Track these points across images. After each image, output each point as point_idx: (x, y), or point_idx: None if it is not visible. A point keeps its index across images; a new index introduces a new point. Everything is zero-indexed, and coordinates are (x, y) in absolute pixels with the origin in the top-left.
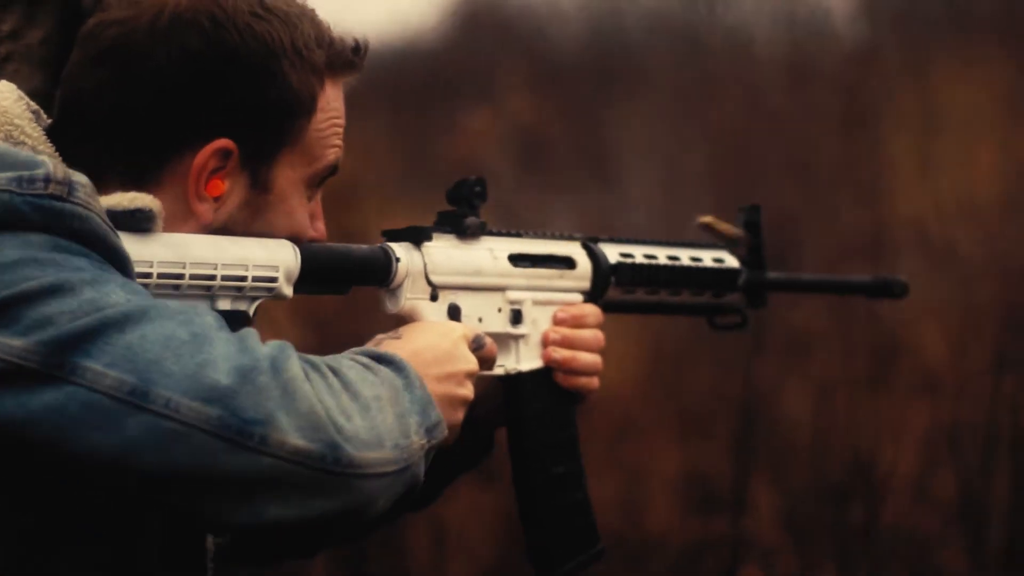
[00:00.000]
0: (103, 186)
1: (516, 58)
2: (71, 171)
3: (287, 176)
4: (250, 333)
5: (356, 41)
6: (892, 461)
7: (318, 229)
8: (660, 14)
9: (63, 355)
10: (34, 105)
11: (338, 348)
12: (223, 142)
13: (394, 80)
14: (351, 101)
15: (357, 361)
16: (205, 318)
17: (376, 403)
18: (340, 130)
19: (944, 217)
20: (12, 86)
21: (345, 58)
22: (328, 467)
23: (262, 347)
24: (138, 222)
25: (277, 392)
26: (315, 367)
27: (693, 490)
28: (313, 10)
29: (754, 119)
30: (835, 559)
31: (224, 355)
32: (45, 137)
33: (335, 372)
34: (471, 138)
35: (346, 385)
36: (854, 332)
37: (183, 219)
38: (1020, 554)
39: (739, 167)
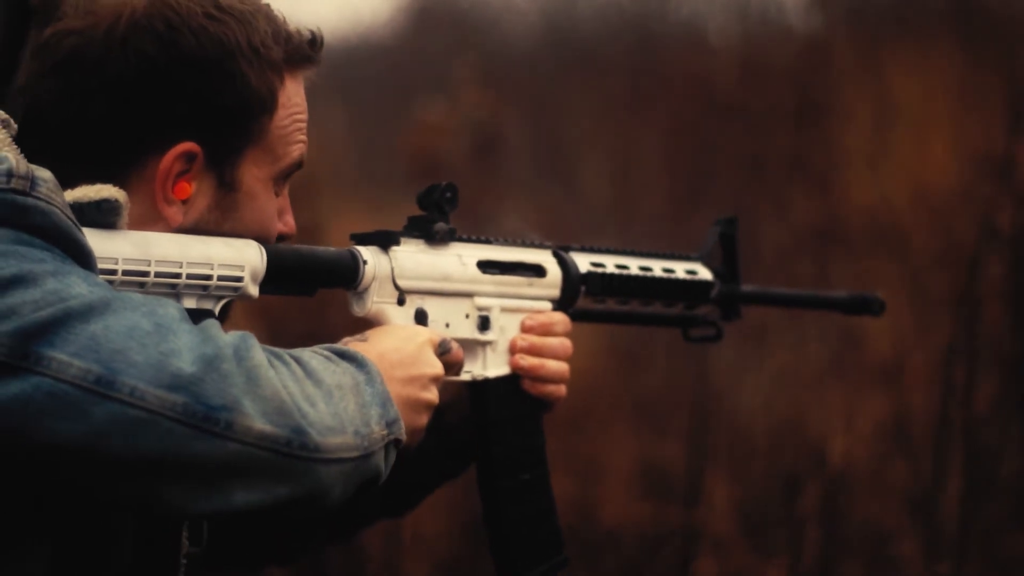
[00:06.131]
0: (68, 189)
1: (470, 51)
2: (34, 166)
3: (253, 174)
4: (212, 323)
5: (312, 34)
6: (845, 452)
7: (288, 224)
8: (613, 7)
9: (27, 345)
10: (3, 114)
11: (293, 346)
12: (187, 145)
13: (348, 75)
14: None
15: (319, 353)
16: (168, 309)
17: (338, 391)
18: (303, 125)
19: (897, 208)
20: None
21: (303, 52)
22: (294, 452)
23: (224, 336)
24: (104, 214)
25: (241, 379)
26: (278, 356)
27: (648, 482)
28: (268, 6)
29: (707, 111)
30: (789, 550)
31: (188, 344)
32: (11, 141)
33: (298, 361)
34: (426, 132)
35: (309, 373)
36: (807, 323)
37: (152, 222)
38: (974, 543)
39: (692, 159)
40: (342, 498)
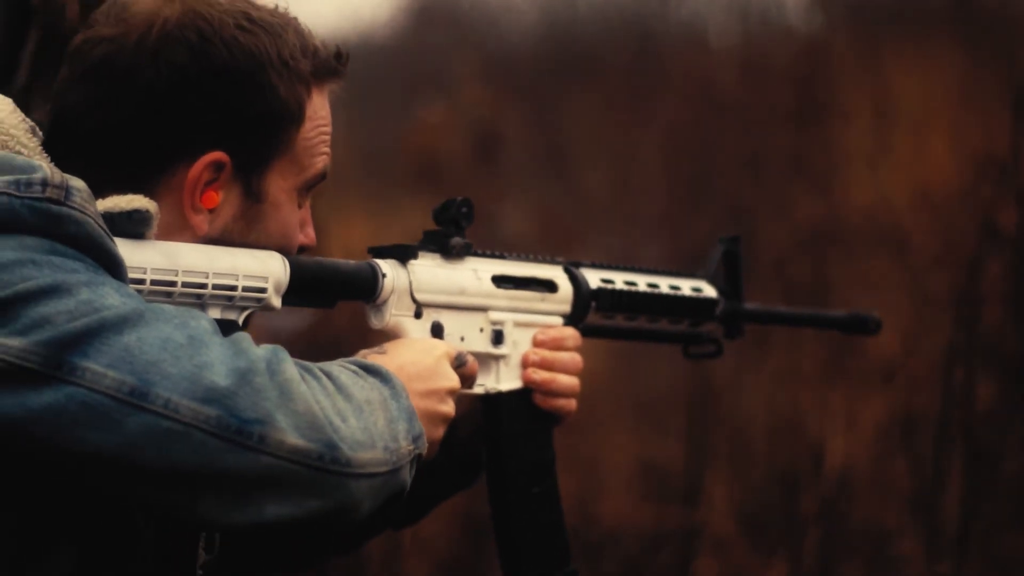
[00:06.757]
0: (97, 197)
1: (470, 51)
2: (68, 176)
3: (279, 185)
4: (243, 337)
5: (338, 48)
6: (846, 452)
7: (308, 235)
8: (613, 6)
9: (61, 355)
10: (30, 121)
11: (294, 347)
12: (216, 155)
13: (348, 74)
14: None
15: (346, 367)
16: (200, 322)
17: (368, 406)
18: (328, 137)
19: (897, 208)
20: (8, 100)
21: (330, 66)
22: (326, 466)
23: (256, 349)
24: (135, 224)
25: (274, 393)
26: (308, 370)
27: (648, 482)
28: (296, 19)
29: (707, 111)
30: (789, 551)
31: (221, 357)
32: (41, 149)
33: (328, 375)
34: (426, 131)
35: (339, 388)
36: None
37: (179, 230)
38: (974, 543)
39: (692, 159)
40: (370, 512)
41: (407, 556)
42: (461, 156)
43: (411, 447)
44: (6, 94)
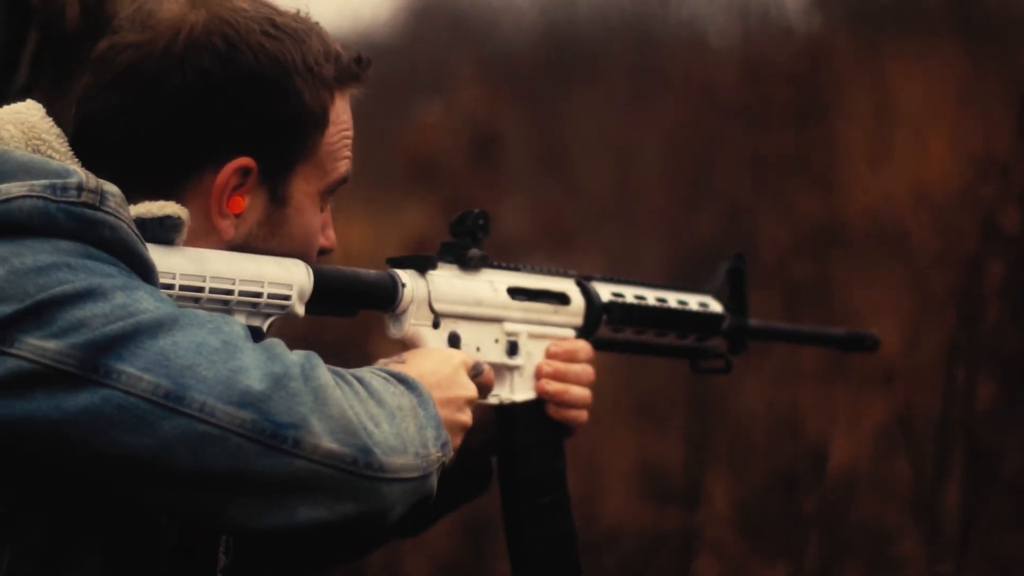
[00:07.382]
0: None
1: (469, 51)
2: (102, 181)
3: (303, 190)
4: (276, 342)
5: (359, 53)
6: (847, 452)
7: (329, 238)
8: (613, 6)
9: (97, 358)
10: (58, 127)
11: (294, 345)
12: (243, 160)
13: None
14: None
15: (377, 374)
16: (234, 327)
17: (399, 412)
18: (350, 141)
19: (897, 208)
20: (39, 105)
21: (352, 71)
22: (359, 470)
23: (290, 355)
24: (166, 230)
25: (309, 397)
26: (341, 375)
27: (648, 482)
28: (318, 24)
29: (707, 111)
30: (790, 551)
31: (255, 362)
32: (72, 153)
33: (360, 381)
34: (424, 132)
35: (372, 393)
36: (808, 323)
37: (205, 235)
38: (975, 543)
39: (692, 159)
40: (399, 517)
41: (407, 556)
42: (460, 156)
43: (439, 454)
44: (6, 94)
